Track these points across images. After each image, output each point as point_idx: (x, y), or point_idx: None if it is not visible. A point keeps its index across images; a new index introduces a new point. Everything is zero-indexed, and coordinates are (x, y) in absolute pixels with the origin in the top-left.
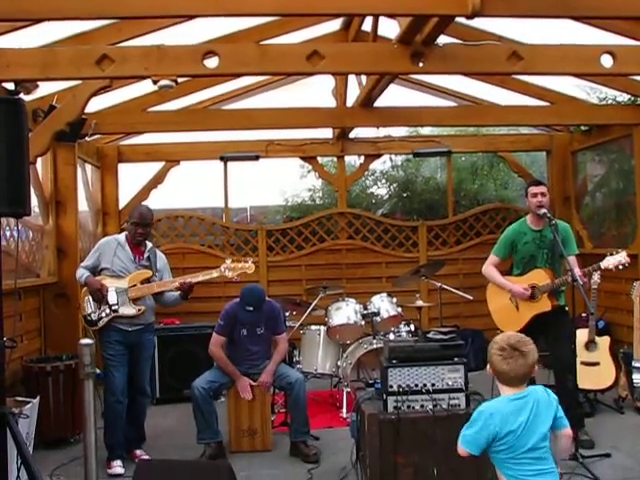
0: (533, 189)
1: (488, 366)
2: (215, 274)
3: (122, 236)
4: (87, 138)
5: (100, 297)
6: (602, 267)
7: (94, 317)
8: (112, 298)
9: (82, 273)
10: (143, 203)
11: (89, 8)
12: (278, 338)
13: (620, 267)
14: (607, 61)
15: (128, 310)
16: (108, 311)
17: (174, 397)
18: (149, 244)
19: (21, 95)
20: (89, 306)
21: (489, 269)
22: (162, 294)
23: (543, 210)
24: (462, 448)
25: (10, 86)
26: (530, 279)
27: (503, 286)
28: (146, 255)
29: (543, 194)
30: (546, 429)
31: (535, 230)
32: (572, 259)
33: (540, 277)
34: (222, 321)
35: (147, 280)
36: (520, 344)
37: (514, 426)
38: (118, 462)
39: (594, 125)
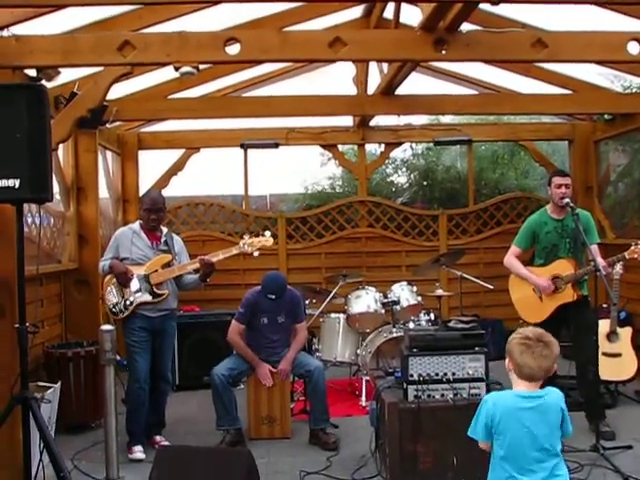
0: (558, 180)
1: (507, 360)
2: (235, 251)
3: (136, 224)
4: (108, 125)
5: (126, 279)
6: (627, 257)
7: (120, 307)
8: (135, 285)
9: (104, 263)
10: (155, 189)
11: None
12: (298, 326)
13: None
14: (634, 48)
15: (152, 296)
16: (132, 299)
17: (194, 384)
18: (164, 229)
19: (43, 82)
20: (113, 296)
21: (511, 260)
22: (182, 277)
23: (566, 200)
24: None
25: (32, 73)
26: (553, 269)
27: (527, 278)
28: (163, 240)
29: (567, 186)
30: (549, 441)
31: (556, 219)
32: (594, 248)
33: (563, 267)
34: (243, 309)
35: (167, 264)
36: (544, 336)
37: (513, 424)
38: (139, 447)
39: (618, 114)
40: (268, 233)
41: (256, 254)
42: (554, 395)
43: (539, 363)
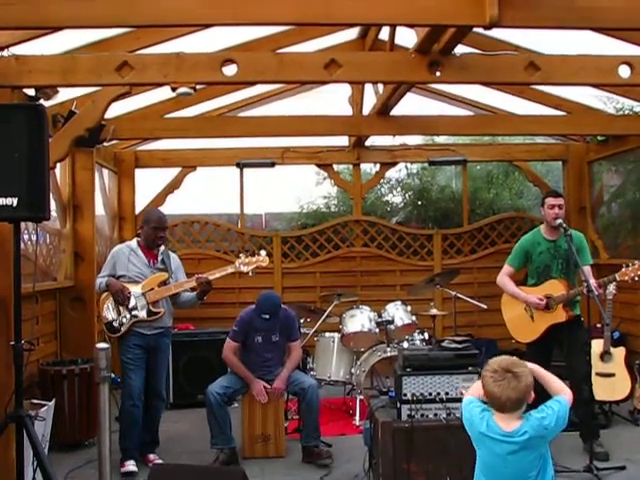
0: (551, 200)
1: (481, 391)
2: (231, 270)
3: (134, 242)
4: (105, 143)
5: (123, 298)
6: (618, 279)
7: (116, 324)
8: (131, 302)
9: (101, 281)
10: (154, 207)
11: (108, 17)
12: (292, 345)
13: (636, 279)
14: (625, 72)
15: (148, 314)
16: (129, 316)
17: (188, 402)
18: (161, 247)
19: (41, 101)
20: (109, 314)
21: (504, 279)
22: (178, 295)
23: (559, 221)
24: None
25: (31, 92)
26: (545, 289)
27: (518, 296)
28: (160, 258)
29: (560, 206)
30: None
31: (550, 240)
32: (587, 269)
33: (555, 288)
34: (237, 327)
35: (164, 282)
36: (513, 366)
37: (484, 449)
38: (131, 461)
39: (611, 135)
40: (264, 252)
41: (251, 274)
42: (533, 435)
43: (507, 394)
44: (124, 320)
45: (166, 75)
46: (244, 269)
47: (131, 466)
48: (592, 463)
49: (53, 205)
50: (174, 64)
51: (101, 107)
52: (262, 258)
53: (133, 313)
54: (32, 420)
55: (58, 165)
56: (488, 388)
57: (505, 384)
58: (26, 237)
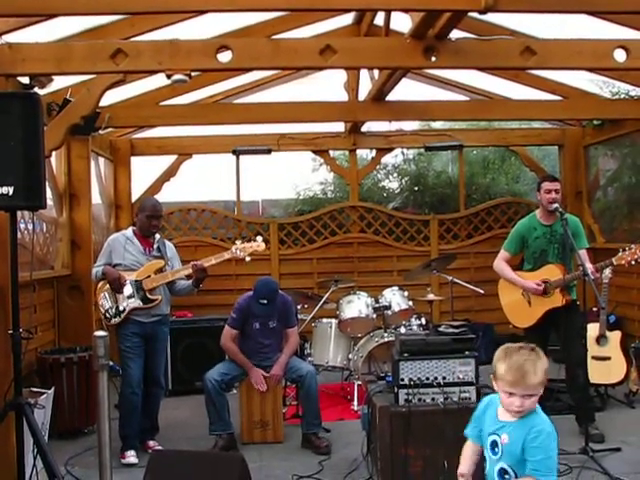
0: (548, 185)
1: (492, 376)
2: (227, 255)
3: (129, 230)
4: (100, 131)
5: (119, 286)
6: (615, 263)
7: (112, 312)
8: (128, 290)
9: (97, 269)
10: (149, 195)
11: (102, 4)
12: (289, 331)
13: (633, 263)
14: (620, 55)
15: (145, 301)
16: (125, 304)
17: (186, 389)
18: (157, 235)
19: (35, 89)
20: (106, 302)
21: (500, 264)
22: (174, 283)
23: (555, 205)
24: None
25: (25, 80)
26: (542, 274)
27: (515, 282)
28: (155, 246)
29: (557, 191)
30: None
31: (545, 225)
32: (583, 253)
33: (552, 272)
34: (235, 314)
35: (160, 270)
36: (530, 346)
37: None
38: (132, 452)
39: (607, 119)
40: (260, 238)
41: (248, 259)
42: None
43: (521, 366)
44: (121, 308)
45: (161, 62)
46: (240, 255)
47: (132, 457)
48: (588, 445)
49: (49, 194)
50: (168, 51)
51: (96, 95)
52: (258, 244)
53: (130, 301)
54: (32, 408)
55: (54, 154)
56: (499, 364)
57: (518, 356)
58: (22, 226)
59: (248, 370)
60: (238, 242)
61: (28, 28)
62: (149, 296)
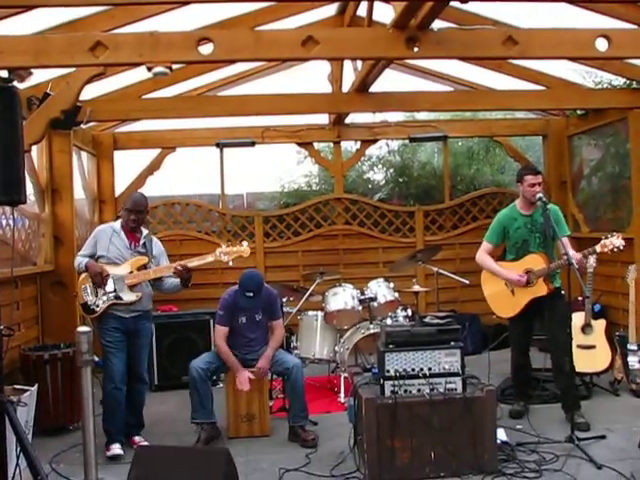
0: (531, 179)
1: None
2: (210, 258)
3: (117, 223)
4: (82, 126)
5: (101, 281)
6: (598, 250)
7: (91, 305)
8: (109, 285)
9: (80, 260)
10: (134, 190)
11: None
12: (275, 324)
13: (615, 250)
14: (602, 45)
15: (126, 296)
16: (105, 298)
17: (172, 384)
18: (145, 231)
19: (15, 83)
20: (86, 294)
21: (483, 256)
22: (162, 281)
23: (539, 195)
24: None
25: (3, 74)
26: (525, 264)
27: (499, 274)
28: (142, 242)
29: (540, 184)
30: None
31: (526, 215)
32: (565, 240)
33: (535, 262)
34: (222, 311)
35: (143, 267)
36: None
37: None
38: (117, 444)
39: (590, 109)
40: (245, 243)
41: (231, 263)
42: None
43: None
44: (100, 302)
45: (141, 54)
46: (224, 258)
47: (117, 449)
48: (573, 433)
49: (31, 189)
50: (149, 43)
51: (75, 88)
52: (243, 249)
53: (110, 296)
54: (14, 406)
55: (35, 149)
56: None
57: None
58: (4, 222)
59: (235, 372)
60: (223, 245)
61: (5, 20)
62: (129, 292)
